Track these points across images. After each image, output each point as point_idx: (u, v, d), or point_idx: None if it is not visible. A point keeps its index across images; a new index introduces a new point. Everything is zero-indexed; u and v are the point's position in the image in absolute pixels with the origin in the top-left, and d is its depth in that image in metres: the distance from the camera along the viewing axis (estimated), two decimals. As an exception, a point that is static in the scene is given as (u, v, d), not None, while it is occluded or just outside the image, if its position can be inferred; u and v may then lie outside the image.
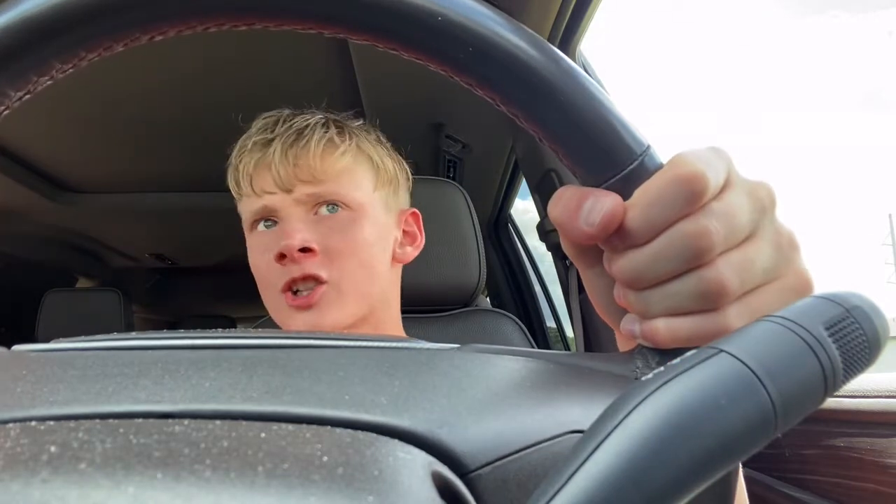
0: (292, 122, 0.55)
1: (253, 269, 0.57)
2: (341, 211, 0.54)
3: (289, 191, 0.53)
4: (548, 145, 0.23)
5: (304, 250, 0.52)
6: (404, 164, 0.63)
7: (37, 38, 0.20)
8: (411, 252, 0.62)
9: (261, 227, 0.55)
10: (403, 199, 0.63)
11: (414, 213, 0.63)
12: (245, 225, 0.57)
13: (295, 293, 0.53)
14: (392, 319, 0.61)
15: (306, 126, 0.54)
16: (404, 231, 0.62)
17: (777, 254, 0.22)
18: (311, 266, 0.52)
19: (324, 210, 0.54)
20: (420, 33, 0.21)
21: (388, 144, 0.62)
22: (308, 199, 0.53)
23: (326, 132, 0.55)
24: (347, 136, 0.56)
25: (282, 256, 0.51)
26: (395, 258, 0.60)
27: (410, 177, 0.65)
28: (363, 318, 0.56)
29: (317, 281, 0.52)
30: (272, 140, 0.54)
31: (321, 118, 0.56)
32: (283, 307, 0.53)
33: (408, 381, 0.19)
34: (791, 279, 0.22)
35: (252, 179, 0.54)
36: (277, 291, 0.53)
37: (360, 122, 0.61)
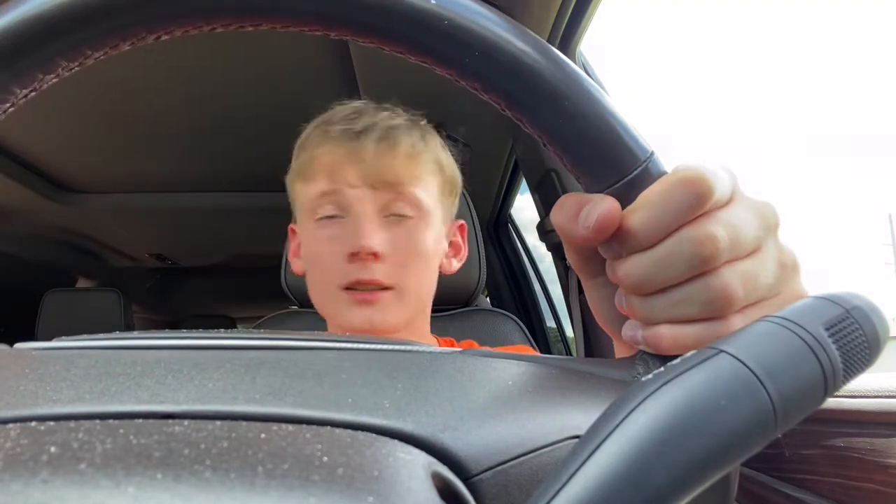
0: (377, 116, 0.54)
1: (312, 258, 0.56)
2: (409, 219, 0.54)
3: (374, 188, 0.53)
4: (551, 150, 0.23)
5: (374, 255, 0.52)
6: (458, 172, 0.62)
7: (43, 36, 0.20)
8: (456, 265, 0.61)
9: (327, 214, 0.54)
10: (456, 207, 0.62)
11: (462, 225, 0.62)
12: (305, 208, 0.56)
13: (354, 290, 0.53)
14: (426, 325, 0.62)
15: (395, 126, 0.54)
16: (450, 242, 0.61)
17: (780, 271, 0.22)
18: (378, 271, 0.52)
19: (395, 214, 0.54)
20: (426, 37, 0.21)
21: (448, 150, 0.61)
22: (386, 200, 0.53)
23: (411, 136, 0.55)
24: (428, 142, 0.56)
25: (353, 255, 0.52)
26: (441, 269, 0.60)
27: (461, 185, 0.63)
28: (409, 323, 0.56)
29: (380, 285, 0.53)
30: (360, 133, 0.53)
31: (406, 119, 0.56)
32: (341, 300, 0.53)
33: (410, 384, 0.19)
34: (791, 298, 0.22)
35: (335, 168, 0.53)
36: (335, 286, 0.53)
37: (425, 122, 0.60)
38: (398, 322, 0.54)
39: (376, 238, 0.51)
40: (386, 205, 0.54)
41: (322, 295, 0.56)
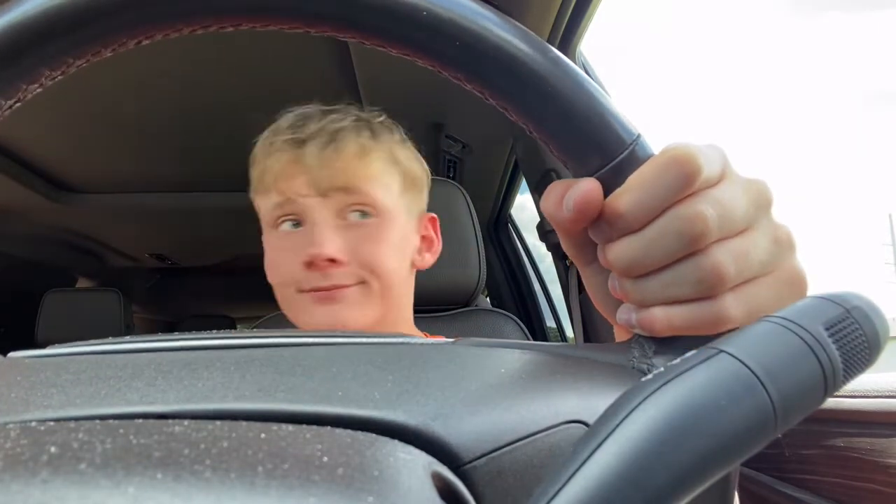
0: (323, 121, 0.53)
1: (270, 267, 0.55)
2: (371, 218, 0.53)
3: (324, 196, 0.52)
4: (538, 137, 0.23)
5: (332, 260, 0.51)
6: (425, 164, 0.62)
7: (51, 33, 0.20)
8: (429, 259, 0.60)
9: (286, 226, 0.54)
10: (424, 202, 0.61)
11: (432, 218, 0.61)
12: (266, 221, 0.56)
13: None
14: (406, 322, 0.61)
15: (340, 129, 0.53)
16: (422, 236, 0.60)
17: (774, 248, 0.22)
18: (339, 276, 0.52)
19: (353, 216, 0.53)
20: (406, 29, 0.21)
21: (411, 144, 0.60)
22: (341, 204, 0.53)
23: (359, 136, 0.53)
24: (379, 139, 0.55)
25: (309, 264, 0.51)
26: (413, 264, 0.59)
27: (430, 177, 0.63)
28: (380, 321, 0.56)
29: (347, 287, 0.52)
30: (305, 141, 0.52)
31: (353, 120, 0.55)
32: (303, 300, 0.53)
33: (401, 375, 0.19)
34: (786, 274, 0.22)
35: (282, 180, 0.53)
36: (295, 290, 0.53)
37: (383, 118, 0.58)
38: (367, 319, 0.53)
39: (331, 245, 0.51)
40: (341, 209, 0.53)
41: (284, 300, 0.55)
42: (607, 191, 0.22)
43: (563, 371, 0.21)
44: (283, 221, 0.54)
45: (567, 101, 0.21)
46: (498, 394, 0.19)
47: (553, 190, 0.23)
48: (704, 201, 0.20)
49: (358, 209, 0.53)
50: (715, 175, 0.21)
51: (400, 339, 0.25)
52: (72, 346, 0.25)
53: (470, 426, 0.17)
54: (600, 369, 0.21)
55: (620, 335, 0.29)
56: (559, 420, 0.18)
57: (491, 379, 0.20)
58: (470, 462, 0.16)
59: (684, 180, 0.20)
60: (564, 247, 0.26)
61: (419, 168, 0.59)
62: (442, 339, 0.25)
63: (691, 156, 0.20)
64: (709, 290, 0.21)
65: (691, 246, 0.20)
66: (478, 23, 0.21)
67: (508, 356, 0.22)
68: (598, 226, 0.22)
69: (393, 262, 0.53)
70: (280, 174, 0.53)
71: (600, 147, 0.22)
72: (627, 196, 0.21)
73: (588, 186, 0.21)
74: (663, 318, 0.21)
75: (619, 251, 0.22)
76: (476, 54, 0.21)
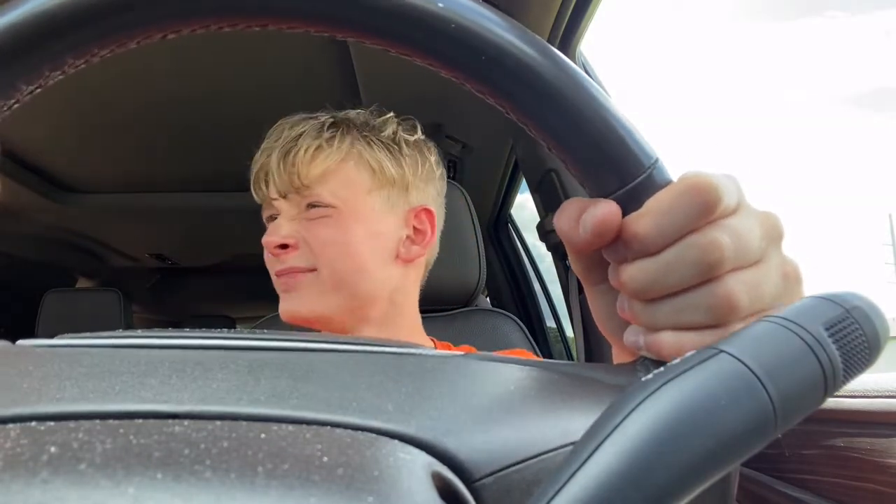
0: (295, 128, 0.58)
1: None
2: (328, 214, 0.57)
3: (285, 197, 0.58)
4: (557, 155, 0.23)
5: (284, 246, 0.56)
6: (429, 161, 0.62)
7: (52, 33, 0.20)
8: (417, 251, 0.60)
9: (268, 221, 0.61)
10: (419, 197, 0.61)
11: (426, 211, 0.61)
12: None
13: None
14: (405, 319, 0.62)
15: (301, 134, 0.58)
16: (415, 229, 0.61)
17: (784, 282, 0.22)
18: (292, 259, 0.57)
19: (312, 211, 0.57)
20: (434, 41, 0.21)
21: (411, 141, 0.61)
22: (300, 203, 0.58)
23: (318, 137, 0.57)
24: (341, 138, 0.57)
25: (268, 252, 0.58)
26: (399, 257, 0.59)
27: (438, 173, 0.64)
28: (351, 311, 0.58)
29: (297, 270, 0.57)
30: (271, 150, 0.58)
31: (320, 123, 0.58)
32: (277, 287, 0.59)
33: (414, 388, 0.19)
34: None
35: (259, 187, 0.60)
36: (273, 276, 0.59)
37: (388, 117, 0.61)
38: (319, 309, 0.56)
39: (279, 233, 0.56)
40: (301, 207, 0.58)
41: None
42: (622, 212, 0.22)
43: (571, 392, 0.21)
44: (270, 220, 0.61)
45: (588, 122, 0.21)
46: (508, 412, 0.19)
47: (568, 208, 0.23)
48: (721, 230, 0.20)
49: (313, 207, 0.57)
50: (732, 205, 0.21)
51: (411, 350, 0.25)
52: (82, 338, 0.25)
53: (481, 443, 0.17)
54: (606, 391, 0.21)
55: (619, 355, 0.29)
56: (567, 441, 0.18)
57: (501, 396, 0.20)
58: (480, 479, 0.16)
59: (704, 208, 0.20)
60: (574, 265, 0.26)
61: (399, 167, 0.59)
62: (451, 352, 0.25)
63: (711, 184, 0.20)
64: (720, 318, 0.21)
65: (706, 273, 0.20)
66: (505, 38, 0.21)
67: (518, 373, 0.22)
68: (613, 246, 0.22)
69: (347, 251, 0.56)
70: (256, 182, 0.60)
71: (619, 169, 0.22)
72: (647, 220, 0.21)
73: (608, 209, 0.21)
74: (673, 342, 0.21)
75: (634, 273, 0.22)
76: (501, 70, 0.21)
